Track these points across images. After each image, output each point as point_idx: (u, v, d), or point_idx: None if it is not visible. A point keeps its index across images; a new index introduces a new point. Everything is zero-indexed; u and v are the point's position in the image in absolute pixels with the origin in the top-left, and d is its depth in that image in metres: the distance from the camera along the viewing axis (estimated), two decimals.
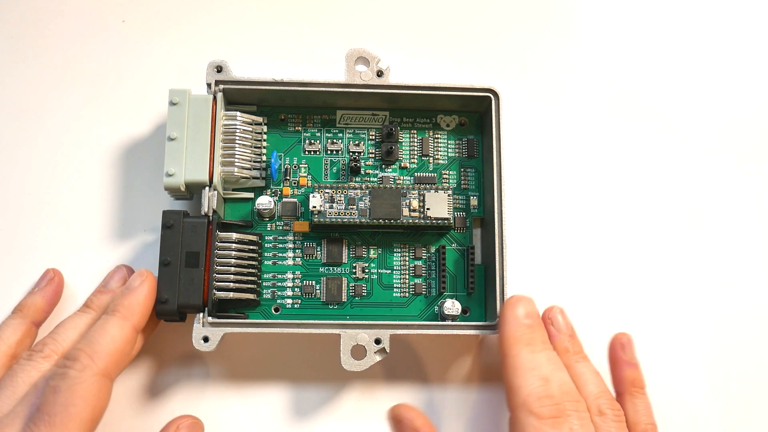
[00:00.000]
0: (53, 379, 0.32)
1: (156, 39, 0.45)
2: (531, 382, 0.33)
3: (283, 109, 0.42)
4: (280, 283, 0.40)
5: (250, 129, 0.40)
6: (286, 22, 0.46)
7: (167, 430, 0.36)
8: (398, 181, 0.42)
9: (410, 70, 0.45)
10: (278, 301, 0.40)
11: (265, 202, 0.40)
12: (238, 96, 0.41)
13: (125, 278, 0.39)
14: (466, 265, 0.40)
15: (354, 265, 0.41)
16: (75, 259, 0.41)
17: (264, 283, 0.40)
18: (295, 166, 0.42)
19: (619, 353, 0.39)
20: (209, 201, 0.38)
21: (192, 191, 0.39)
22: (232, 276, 0.38)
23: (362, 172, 0.42)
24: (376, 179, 0.42)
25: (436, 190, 0.40)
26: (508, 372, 0.35)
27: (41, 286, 0.39)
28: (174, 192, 0.39)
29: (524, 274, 0.42)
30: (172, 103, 0.39)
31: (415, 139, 0.42)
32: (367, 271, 0.41)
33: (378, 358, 0.37)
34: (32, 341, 0.37)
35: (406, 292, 0.41)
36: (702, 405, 0.41)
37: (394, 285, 0.41)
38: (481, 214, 0.42)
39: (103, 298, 0.37)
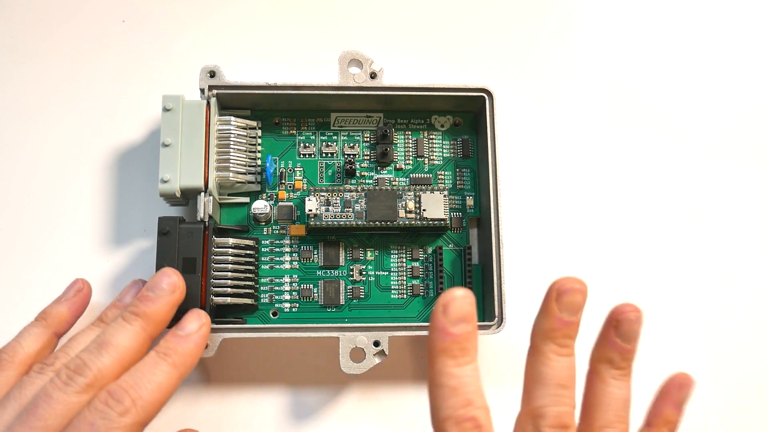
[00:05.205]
0: (91, 412, 0.30)
1: (152, 42, 0.45)
2: (450, 404, 0.28)
3: (277, 113, 0.42)
4: (277, 287, 0.40)
5: (245, 133, 0.40)
6: (282, 26, 0.46)
7: None
8: (394, 183, 0.42)
9: (410, 70, 0.45)
10: (276, 305, 0.40)
11: (261, 206, 0.40)
12: (232, 101, 0.41)
13: (174, 284, 0.36)
14: (463, 265, 0.40)
15: (351, 267, 0.41)
16: (70, 266, 0.41)
17: (261, 288, 0.40)
18: (290, 170, 0.42)
19: (673, 390, 0.33)
20: (205, 206, 0.38)
21: (187, 197, 0.39)
22: (229, 281, 0.38)
23: (357, 174, 0.42)
24: (371, 181, 0.42)
25: (432, 190, 0.40)
26: (429, 389, 0.29)
27: (68, 296, 0.38)
28: (169, 198, 0.39)
29: (521, 273, 0.42)
30: (165, 109, 0.39)
31: (410, 141, 0.42)
32: (364, 273, 0.41)
33: (377, 360, 0.37)
34: (51, 352, 0.36)
35: (403, 293, 0.41)
36: (702, 405, 0.41)
37: (392, 287, 0.41)
38: (477, 214, 0.42)
39: (117, 313, 0.36)
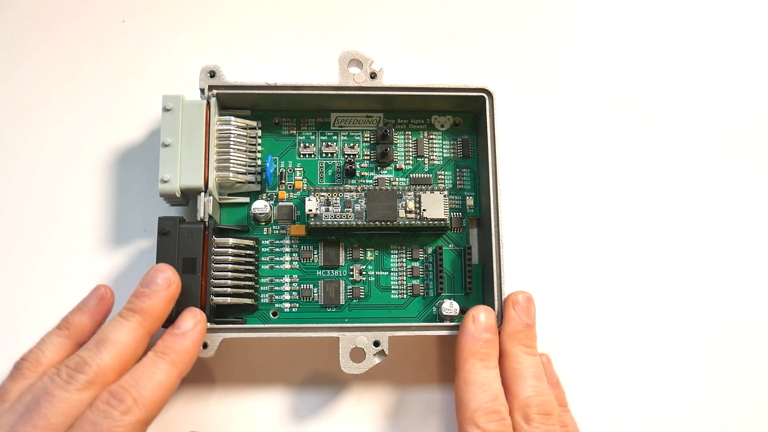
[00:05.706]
0: (94, 412, 0.31)
1: (152, 42, 0.45)
2: (480, 398, 0.34)
3: (277, 113, 0.42)
4: (277, 288, 0.40)
5: (245, 133, 0.40)
6: (282, 26, 0.46)
7: None
8: (394, 183, 0.42)
9: (410, 70, 0.45)
10: (276, 305, 0.40)
11: (261, 206, 0.40)
12: (232, 101, 0.41)
13: (169, 279, 0.36)
14: (464, 265, 0.40)
15: (351, 267, 0.41)
16: (70, 266, 0.41)
17: (261, 288, 0.40)
18: (290, 170, 0.42)
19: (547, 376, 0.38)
20: (205, 206, 0.38)
21: (187, 197, 0.39)
22: (229, 281, 0.38)
23: (357, 174, 0.42)
24: (371, 181, 0.42)
25: (432, 190, 0.40)
26: (459, 386, 0.35)
27: (91, 305, 0.36)
28: (169, 198, 0.39)
29: (521, 272, 0.42)
30: (165, 109, 0.39)
31: (410, 141, 0.42)
32: (364, 273, 0.41)
33: (377, 360, 0.37)
34: None
35: (403, 293, 0.41)
36: (702, 405, 0.41)
37: (392, 287, 0.41)
38: (477, 214, 0.42)
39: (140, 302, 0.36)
